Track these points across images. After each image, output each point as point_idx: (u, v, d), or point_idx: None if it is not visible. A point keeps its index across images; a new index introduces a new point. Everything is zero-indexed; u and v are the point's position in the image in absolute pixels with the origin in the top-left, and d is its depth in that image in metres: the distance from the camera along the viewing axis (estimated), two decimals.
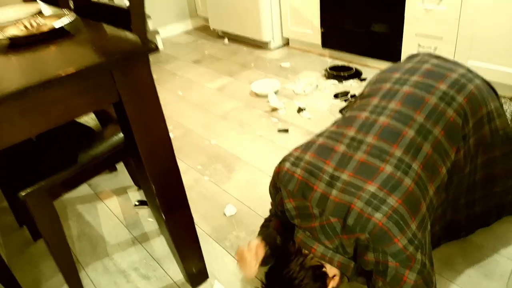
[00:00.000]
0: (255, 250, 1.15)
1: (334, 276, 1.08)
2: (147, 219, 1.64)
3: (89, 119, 1.37)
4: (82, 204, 1.77)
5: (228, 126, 2.23)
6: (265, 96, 2.47)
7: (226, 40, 3.51)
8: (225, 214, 1.61)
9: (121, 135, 1.26)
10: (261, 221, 1.55)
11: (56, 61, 0.89)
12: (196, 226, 1.55)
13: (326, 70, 2.64)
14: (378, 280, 0.97)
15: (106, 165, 1.24)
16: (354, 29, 2.61)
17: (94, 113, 1.40)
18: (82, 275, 1.42)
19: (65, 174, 1.13)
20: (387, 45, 2.48)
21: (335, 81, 2.55)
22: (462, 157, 1.11)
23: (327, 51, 2.96)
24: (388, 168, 0.98)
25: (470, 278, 1.24)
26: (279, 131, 2.12)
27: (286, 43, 3.25)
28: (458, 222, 1.27)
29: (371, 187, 0.95)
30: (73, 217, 1.70)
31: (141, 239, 1.54)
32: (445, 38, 2.15)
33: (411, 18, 2.27)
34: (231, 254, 1.43)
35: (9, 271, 1.36)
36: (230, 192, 1.73)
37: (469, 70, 1.20)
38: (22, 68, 0.88)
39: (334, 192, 0.98)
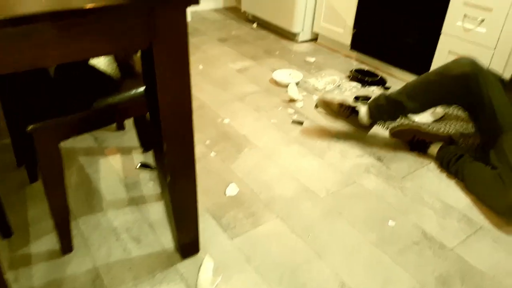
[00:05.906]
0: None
1: None
2: (147, 183, 1.60)
3: (110, 70, 1.33)
4: (86, 156, 1.73)
5: (243, 108, 2.19)
6: (285, 86, 2.42)
7: (254, 25, 3.46)
8: (225, 193, 1.57)
9: (141, 89, 1.22)
10: (262, 206, 1.51)
11: None
12: None
13: (351, 71, 2.59)
14: None
15: (121, 115, 1.21)
16: (387, 36, 2.56)
17: (117, 64, 1.36)
18: (73, 225, 1.38)
19: (77, 116, 1.09)
20: (417, 58, 2.42)
21: (358, 84, 2.50)
22: None
23: (354, 54, 2.91)
24: None
25: None
26: (293, 122, 2.08)
27: (314, 38, 3.19)
28: None
29: None
30: (73, 166, 1.67)
31: (138, 201, 1.51)
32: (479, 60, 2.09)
33: (448, 35, 2.21)
34: (226, 232, 1.39)
35: (2, 208, 1.33)
36: (235, 171, 1.69)
37: None
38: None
39: None
